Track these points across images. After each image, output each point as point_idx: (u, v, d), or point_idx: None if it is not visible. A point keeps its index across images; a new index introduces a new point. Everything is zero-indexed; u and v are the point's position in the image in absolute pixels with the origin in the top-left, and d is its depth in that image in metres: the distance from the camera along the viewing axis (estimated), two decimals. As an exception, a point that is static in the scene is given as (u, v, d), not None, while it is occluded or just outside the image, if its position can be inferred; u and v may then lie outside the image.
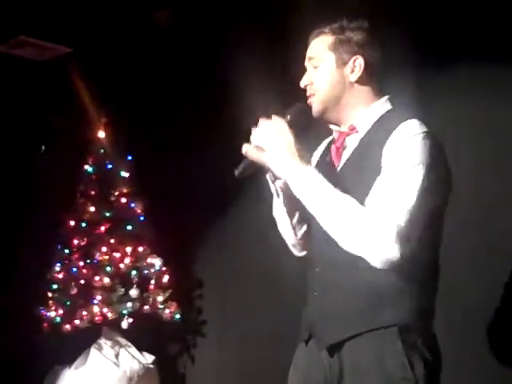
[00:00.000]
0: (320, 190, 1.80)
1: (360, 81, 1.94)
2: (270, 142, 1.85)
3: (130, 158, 4.43)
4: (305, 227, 2.09)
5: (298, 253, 2.19)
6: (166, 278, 4.27)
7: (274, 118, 1.89)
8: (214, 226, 4.21)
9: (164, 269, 4.28)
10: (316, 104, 1.97)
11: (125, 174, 4.39)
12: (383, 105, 1.96)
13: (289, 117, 1.93)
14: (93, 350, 4.09)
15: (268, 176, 2.01)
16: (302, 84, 2.00)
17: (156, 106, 4.43)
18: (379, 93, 1.97)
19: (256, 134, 1.89)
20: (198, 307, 4.35)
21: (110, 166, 4.42)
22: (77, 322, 4.10)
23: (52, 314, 4.18)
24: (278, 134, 1.85)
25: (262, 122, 1.89)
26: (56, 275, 4.25)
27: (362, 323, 1.83)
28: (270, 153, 1.85)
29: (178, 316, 4.23)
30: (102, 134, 4.46)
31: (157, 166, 4.32)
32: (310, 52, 2.00)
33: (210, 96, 4.15)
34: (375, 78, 1.97)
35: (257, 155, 1.87)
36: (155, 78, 4.38)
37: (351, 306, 1.84)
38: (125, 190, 4.38)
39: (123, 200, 4.35)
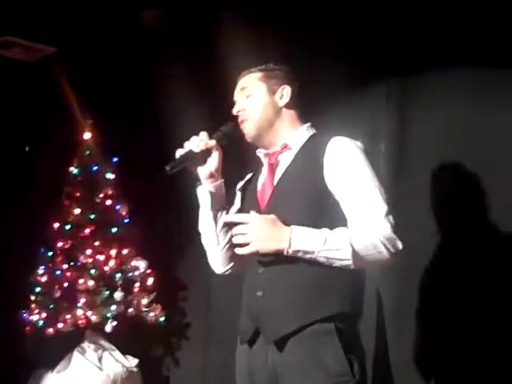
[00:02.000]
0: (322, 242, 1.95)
1: (288, 106, 2.18)
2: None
3: (115, 159, 4.42)
4: (229, 235, 2.17)
5: (221, 268, 2.29)
6: (150, 281, 4.26)
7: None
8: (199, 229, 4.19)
9: (149, 271, 4.27)
10: (249, 129, 2.17)
11: (110, 176, 4.38)
12: (309, 128, 2.20)
13: (220, 133, 2.18)
14: (76, 354, 4.06)
15: (199, 183, 2.18)
16: (235, 111, 2.20)
17: (142, 107, 4.41)
18: (304, 119, 2.22)
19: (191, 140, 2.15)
20: (183, 310, 4.34)
21: (95, 168, 4.40)
22: (60, 325, 4.07)
23: (35, 317, 4.15)
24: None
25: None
26: (39, 278, 4.22)
27: (303, 318, 1.98)
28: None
29: (162, 319, 4.22)
30: (87, 136, 4.44)
31: (142, 169, 4.30)
32: (242, 83, 2.22)
33: (197, 100, 4.14)
34: (300, 105, 2.22)
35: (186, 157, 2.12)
36: (142, 79, 4.37)
37: (293, 302, 2.00)
38: (110, 192, 4.37)
39: (108, 202, 4.34)
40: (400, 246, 1.96)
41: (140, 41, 4.14)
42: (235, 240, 2.02)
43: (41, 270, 4.23)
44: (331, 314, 1.98)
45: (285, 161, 2.15)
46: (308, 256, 1.96)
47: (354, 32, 3.37)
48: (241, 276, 3.79)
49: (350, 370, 1.94)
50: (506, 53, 2.90)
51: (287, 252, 1.96)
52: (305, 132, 2.19)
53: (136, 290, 4.23)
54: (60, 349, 4.13)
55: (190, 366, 4.25)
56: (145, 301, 4.19)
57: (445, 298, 2.98)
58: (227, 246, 2.21)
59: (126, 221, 4.33)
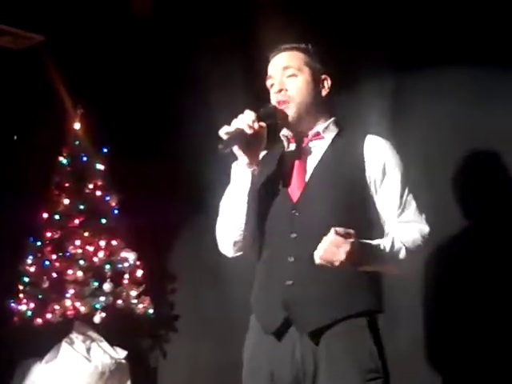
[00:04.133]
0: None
1: (326, 97, 2.18)
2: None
3: (105, 150, 4.39)
4: (254, 223, 2.11)
5: (233, 253, 2.17)
6: (139, 273, 4.24)
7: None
8: (188, 220, 4.19)
9: (138, 263, 4.25)
10: (292, 111, 2.11)
11: (100, 167, 4.35)
12: (335, 122, 2.20)
13: (264, 115, 2.06)
14: (64, 345, 4.05)
15: (239, 162, 2.08)
16: (276, 89, 2.13)
17: (133, 97, 4.39)
18: (332, 111, 2.22)
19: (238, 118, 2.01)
20: (171, 302, 4.33)
21: (85, 159, 4.37)
22: (48, 315, 4.05)
23: (23, 307, 4.13)
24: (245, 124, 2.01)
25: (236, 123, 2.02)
26: (28, 268, 4.19)
27: (340, 310, 1.97)
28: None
29: (150, 311, 4.21)
30: (77, 126, 4.41)
31: (132, 160, 4.28)
32: (285, 61, 2.15)
33: (187, 89, 4.12)
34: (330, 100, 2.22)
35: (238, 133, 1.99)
36: (132, 68, 4.34)
37: (329, 293, 1.98)
38: (99, 183, 4.34)
39: (98, 193, 4.31)
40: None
41: (130, 28, 4.10)
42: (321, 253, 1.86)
43: (29, 260, 4.21)
44: (367, 308, 2.00)
45: (317, 150, 2.13)
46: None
47: (355, 26, 3.35)
48: (230, 269, 3.81)
49: (382, 367, 1.96)
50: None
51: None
52: (334, 124, 2.18)
53: (125, 281, 4.21)
54: (48, 339, 4.12)
55: (178, 357, 4.24)
56: (134, 293, 4.17)
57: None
58: (250, 232, 2.12)
59: (116, 212, 4.30)
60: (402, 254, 1.95)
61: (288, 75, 2.14)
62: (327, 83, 2.18)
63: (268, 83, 2.19)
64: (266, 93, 2.21)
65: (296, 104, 2.11)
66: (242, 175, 2.08)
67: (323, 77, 2.18)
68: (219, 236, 2.17)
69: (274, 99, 2.15)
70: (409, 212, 2.05)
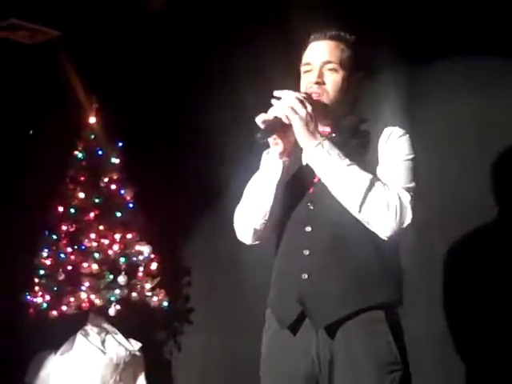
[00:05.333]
0: (340, 163, 1.93)
1: (355, 96, 2.15)
2: (292, 110, 1.92)
3: (120, 144, 4.41)
4: (278, 213, 2.09)
5: (252, 241, 2.15)
6: (154, 266, 4.26)
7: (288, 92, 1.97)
8: (203, 213, 4.20)
9: (152, 256, 4.27)
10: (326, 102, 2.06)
11: (115, 161, 4.37)
12: (355, 117, 2.16)
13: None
14: (79, 336, 4.08)
15: (271, 151, 2.04)
16: (315, 80, 2.06)
17: (148, 92, 4.40)
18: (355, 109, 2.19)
19: (277, 103, 1.95)
20: (186, 295, 4.35)
21: (100, 152, 4.39)
22: (64, 308, 4.09)
23: (38, 300, 4.16)
24: (299, 103, 1.93)
25: (283, 92, 1.96)
26: (43, 261, 4.23)
27: (356, 303, 1.94)
28: (294, 121, 1.92)
29: (165, 303, 4.23)
30: (92, 120, 4.43)
31: (147, 153, 4.30)
32: (328, 54, 2.08)
33: (202, 84, 4.13)
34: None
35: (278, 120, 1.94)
36: (147, 63, 4.36)
37: (345, 286, 1.95)
38: (115, 177, 4.36)
39: (113, 186, 4.33)
40: (408, 220, 1.91)
41: (144, 22, 4.11)
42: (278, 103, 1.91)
43: (45, 253, 4.24)
44: (384, 300, 1.96)
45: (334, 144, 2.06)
46: (330, 162, 1.92)
47: (369, 18, 3.34)
48: (243, 261, 3.83)
49: (401, 360, 1.93)
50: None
51: (318, 144, 1.92)
52: (354, 119, 2.14)
53: (140, 274, 4.24)
54: (63, 331, 4.15)
55: (192, 350, 4.26)
56: (148, 285, 4.20)
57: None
58: (272, 222, 2.09)
59: (131, 205, 4.33)
60: (356, 185, 1.90)
61: (328, 68, 2.07)
62: (360, 84, 2.14)
63: (303, 69, 2.11)
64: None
65: (329, 99, 2.06)
66: (273, 165, 2.04)
67: (360, 77, 2.12)
68: (239, 222, 2.14)
69: (306, 87, 2.08)
70: (393, 178, 1.97)
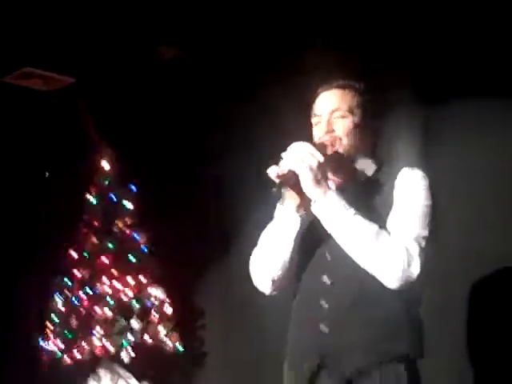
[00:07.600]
0: (345, 214, 1.90)
1: (374, 141, 2.12)
2: (301, 161, 1.90)
3: (133, 188, 4.43)
4: (297, 265, 2.06)
5: (270, 291, 2.12)
6: (168, 309, 4.23)
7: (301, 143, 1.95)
8: (217, 257, 4.19)
9: (166, 300, 4.25)
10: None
11: (129, 205, 4.39)
12: (373, 162, 2.12)
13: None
14: (91, 382, 4.04)
15: (285, 204, 2.01)
16: (324, 130, 2.05)
17: (161, 137, 4.44)
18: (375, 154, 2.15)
19: (287, 155, 1.93)
20: (200, 338, 4.31)
21: (113, 197, 4.41)
22: (77, 354, 4.06)
23: (52, 347, 4.14)
24: (308, 154, 1.91)
25: (294, 144, 1.95)
26: (56, 306, 4.22)
27: (374, 356, 1.90)
28: (301, 172, 1.90)
29: (180, 348, 4.19)
30: (105, 165, 4.47)
31: (161, 197, 4.32)
32: (335, 103, 2.06)
33: (213, 130, 4.17)
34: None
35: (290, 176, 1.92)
36: (160, 109, 4.41)
37: (364, 339, 1.91)
38: (128, 222, 4.37)
39: (127, 231, 4.34)
40: (416, 272, 1.87)
41: (158, 71, 4.17)
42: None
43: (58, 298, 4.23)
44: (404, 353, 1.92)
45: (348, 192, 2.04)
46: (334, 213, 1.89)
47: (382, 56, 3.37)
48: (257, 304, 3.81)
49: None
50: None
51: (324, 195, 1.89)
52: (371, 164, 2.11)
53: (153, 318, 4.21)
54: (75, 375, 4.11)
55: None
56: (162, 329, 4.16)
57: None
58: (292, 273, 2.07)
59: (145, 250, 4.33)
60: (361, 234, 1.88)
61: (337, 116, 2.06)
62: (374, 130, 2.10)
63: (313, 121, 2.11)
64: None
65: (343, 146, 2.04)
66: (289, 219, 2.01)
67: (372, 122, 2.09)
68: (257, 273, 2.12)
69: (318, 138, 2.07)
70: (403, 227, 1.92)
